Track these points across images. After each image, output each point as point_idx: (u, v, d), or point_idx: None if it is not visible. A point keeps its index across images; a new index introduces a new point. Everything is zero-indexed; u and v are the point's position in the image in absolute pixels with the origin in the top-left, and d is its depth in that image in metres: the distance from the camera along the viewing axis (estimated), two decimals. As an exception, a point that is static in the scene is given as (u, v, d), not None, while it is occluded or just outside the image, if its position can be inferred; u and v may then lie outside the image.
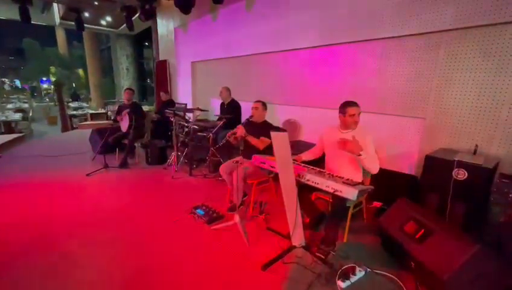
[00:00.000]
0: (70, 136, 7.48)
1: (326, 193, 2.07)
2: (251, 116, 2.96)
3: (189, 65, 6.65)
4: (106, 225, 2.59)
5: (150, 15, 6.53)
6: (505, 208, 1.73)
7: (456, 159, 2.08)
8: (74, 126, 9.09)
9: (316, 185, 2.00)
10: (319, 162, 2.53)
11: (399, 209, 2.08)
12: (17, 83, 21.61)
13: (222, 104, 4.63)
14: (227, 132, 3.54)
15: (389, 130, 2.98)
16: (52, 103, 13.69)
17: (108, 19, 10.63)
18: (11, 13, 10.40)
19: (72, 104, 12.06)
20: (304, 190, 2.29)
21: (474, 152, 2.25)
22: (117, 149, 4.59)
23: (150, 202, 3.11)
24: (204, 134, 4.09)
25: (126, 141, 4.36)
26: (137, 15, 6.89)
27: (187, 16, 5.42)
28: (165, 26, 7.51)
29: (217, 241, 2.30)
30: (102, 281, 1.87)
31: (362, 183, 2.03)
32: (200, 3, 5.22)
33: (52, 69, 15.61)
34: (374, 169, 2.11)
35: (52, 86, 15.10)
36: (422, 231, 1.80)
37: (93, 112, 10.62)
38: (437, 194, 2.24)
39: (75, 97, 14.46)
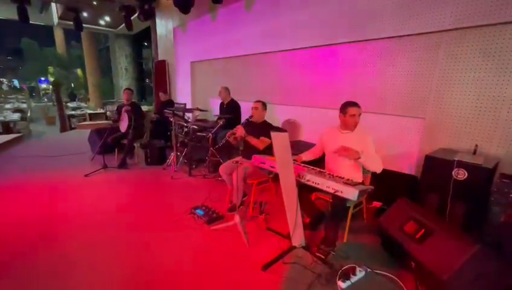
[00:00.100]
0: (68, 137, 7.46)
1: (327, 193, 2.07)
2: (251, 116, 2.95)
3: (188, 65, 6.64)
4: (105, 225, 2.58)
5: (149, 15, 6.52)
6: (505, 208, 1.73)
7: (456, 159, 2.08)
8: (73, 126, 9.06)
9: (317, 186, 1.99)
10: (318, 162, 2.52)
11: (399, 209, 2.08)
12: (16, 83, 21.53)
13: (221, 104, 4.62)
14: (227, 132, 3.53)
15: (389, 130, 2.99)
16: (51, 103, 13.65)
17: (107, 18, 10.60)
18: (9, 13, 10.35)
19: (70, 104, 12.02)
20: (304, 190, 2.28)
21: (474, 152, 2.26)
22: (116, 149, 4.57)
23: (149, 203, 3.10)
24: (204, 134, 4.08)
25: (125, 141, 4.35)
26: (136, 15, 6.88)
27: (186, 15, 5.41)
28: (164, 26, 7.50)
29: (216, 242, 2.30)
30: (101, 281, 1.86)
31: (362, 183, 2.04)
32: (199, 3, 5.21)
33: (51, 69, 15.56)
34: (377, 169, 2.12)
35: (51, 86, 15.04)
36: (423, 231, 1.80)
37: (91, 112, 10.59)
38: (437, 194, 2.24)
39: (73, 97, 14.41)
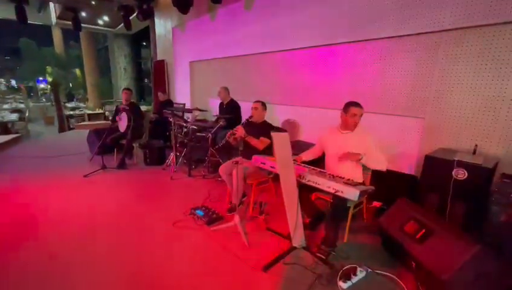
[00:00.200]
0: (67, 137, 7.44)
1: (327, 193, 2.07)
2: (251, 117, 2.95)
3: (187, 65, 6.62)
4: (105, 226, 2.57)
5: (148, 14, 6.50)
6: (506, 208, 1.73)
7: (455, 159, 2.08)
8: (71, 126, 9.02)
9: (317, 186, 1.99)
10: (318, 162, 2.52)
11: (399, 209, 2.08)
12: (13, 83, 21.42)
13: (221, 104, 4.61)
14: (227, 131, 3.52)
15: (389, 130, 2.99)
16: (49, 103, 13.58)
17: (106, 18, 10.56)
18: (7, 13, 10.29)
19: (69, 105, 11.97)
20: (304, 190, 2.28)
21: (474, 152, 2.26)
22: (115, 150, 4.55)
23: (148, 203, 3.09)
24: (204, 134, 4.07)
25: (124, 142, 4.34)
26: (134, 14, 6.86)
27: (185, 15, 5.40)
28: (162, 25, 7.48)
29: (217, 243, 2.29)
30: (101, 282, 1.86)
31: (363, 183, 2.04)
32: (198, 3, 5.21)
33: (49, 69, 15.48)
34: (381, 167, 2.16)
35: (49, 86, 14.97)
36: (423, 231, 1.80)
37: (90, 112, 10.55)
38: (437, 194, 2.24)
39: (70, 97, 14.33)
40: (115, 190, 3.51)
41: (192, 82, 6.68)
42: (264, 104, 2.98)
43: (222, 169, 2.87)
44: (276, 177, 2.81)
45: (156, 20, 7.68)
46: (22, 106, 11.30)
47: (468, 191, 2.04)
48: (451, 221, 2.11)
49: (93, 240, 2.34)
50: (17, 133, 7.26)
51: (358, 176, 2.28)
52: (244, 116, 4.28)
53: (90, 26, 11.47)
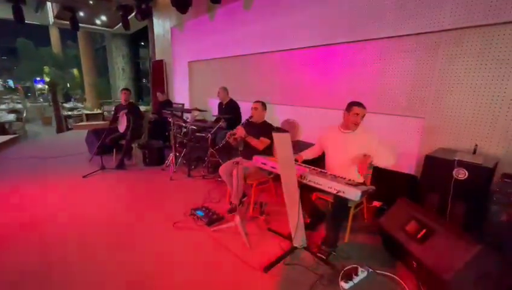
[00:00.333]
0: (65, 137, 7.40)
1: (328, 193, 2.07)
2: (251, 117, 2.94)
3: (186, 65, 6.61)
4: (104, 227, 2.56)
5: (146, 14, 6.48)
6: (507, 208, 1.74)
7: (456, 158, 2.08)
8: (69, 127, 8.97)
9: (318, 186, 1.99)
10: (318, 162, 2.52)
11: (400, 209, 2.08)
12: (10, 83, 21.28)
13: (220, 104, 4.60)
14: (226, 132, 3.51)
15: (389, 130, 2.99)
16: (47, 104, 13.51)
17: (104, 18, 10.52)
18: (4, 12, 10.21)
19: (66, 105, 11.90)
20: (305, 190, 2.28)
21: (474, 152, 2.26)
22: (114, 150, 4.53)
23: (148, 204, 3.08)
24: (203, 134, 4.06)
25: (123, 142, 4.32)
26: (133, 14, 6.83)
27: (184, 15, 5.38)
28: (161, 25, 7.45)
29: (217, 243, 2.28)
30: (101, 283, 1.85)
31: (364, 183, 2.03)
32: (197, 3, 5.19)
33: (46, 69, 15.39)
34: (389, 164, 2.18)
35: (47, 86, 14.89)
36: (424, 230, 1.80)
37: (88, 112, 10.50)
38: (437, 194, 2.24)
39: (68, 98, 14.25)
40: (114, 191, 3.50)
41: (191, 82, 6.66)
42: (264, 104, 2.98)
43: (222, 169, 2.86)
44: (276, 177, 2.81)
45: (155, 20, 7.65)
46: (20, 106, 11.24)
47: (468, 191, 2.04)
48: (452, 221, 2.12)
49: (92, 241, 2.33)
50: (14, 133, 7.21)
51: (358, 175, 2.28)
52: (244, 117, 4.28)
53: (88, 26, 11.40)
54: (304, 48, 3.82)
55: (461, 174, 2.05)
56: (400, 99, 2.90)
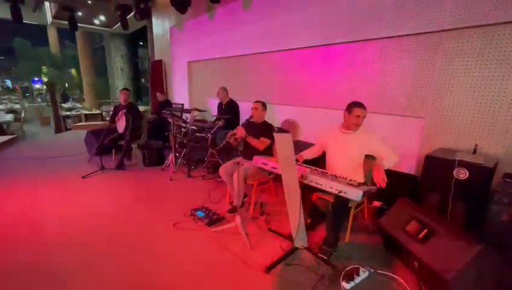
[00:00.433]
0: (64, 138, 7.37)
1: (328, 193, 2.06)
2: (251, 117, 2.94)
3: (185, 65, 6.59)
4: (104, 228, 2.55)
5: (145, 14, 6.46)
6: (508, 208, 1.74)
7: (457, 158, 2.09)
8: (68, 127, 8.93)
9: (319, 187, 1.99)
10: (318, 162, 2.52)
11: (400, 209, 2.09)
12: (8, 83, 21.16)
13: (220, 104, 4.59)
14: (226, 132, 3.51)
15: (389, 130, 2.99)
16: (45, 104, 13.45)
17: (102, 18, 10.47)
18: (2, 12, 10.15)
19: (65, 105, 11.85)
20: (305, 190, 2.27)
21: (474, 151, 2.27)
22: (113, 150, 4.52)
23: (148, 204, 3.07)
24: (203, 135, 4.05)
25: (123, 142, 4.30)
26: (132, 14, 6.81)
27: (183, 15, 5.37)
28: (160, 25, 7.44)
29: (218, 244, 2.28)
30: (101, 284, 1.84)
31: (365, 183, 2.03)
32: (196, 3, 5.18)
33: (44, 69, 15.32)
34: (394, 163, 2.15)
35: (45, 87, 14.81)
36: (425, 230, 1.80)
37: (87, 112, 10.46)
38: (437, 194, 2.25)
39: (65, 98, 14.19)
40: (114, 191, 3.48)
41: (190, 82, 6.65)
42: (264, 104, 2.97)
43: (222, 170, 2.85)
44: (276, 177, 2.81)
45: (154, 20, 7.63)
46: (18, 106, 11.18)
47: (469, 191, 2.05)
48: (452, 221, 2.12)
49: (92, 242, 2.32)
50: (12, 134, 7.17)
51: (359, 176, 2.28)
52: (243, 117, 4.28)
53: (87, 25, 11.36)
54: (304, 48, 3.82)
55: (462, 174, 2.05)
56: (399, 99, 2.90)
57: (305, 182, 2.07)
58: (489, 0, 2.20)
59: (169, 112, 3.99)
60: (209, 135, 3.88)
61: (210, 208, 2.78)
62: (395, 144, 2.92)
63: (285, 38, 4.00)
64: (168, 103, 5.65)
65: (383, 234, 2.18)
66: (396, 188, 2.62)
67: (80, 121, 9.64)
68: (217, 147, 3.67)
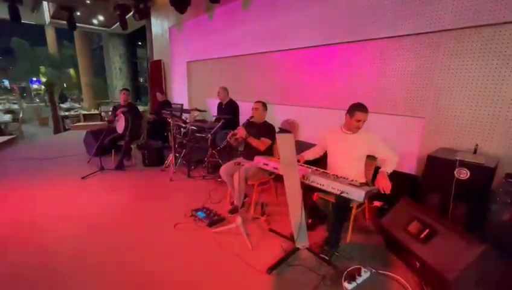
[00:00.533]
0: (63, 138, 7.33)
1: (329, 193, 2.06)
2: (251, 117, 2.93)
3: (184, 65, 6.58)
4: (104, 228, 2.54)
5: (144, 14, 6.43)
6: (510, 208, 1.75)
7: (458, 158, 2.09)
8: (67, 127, 8.90)
9: (321, 187, 1.98)
10: (319, 162, 2.52)
11: (402, 209, 2.09)
12: (6, 83, 21.05)
13: (220, 104, 4.58)
14: (226, 132, 3.50)
15: (389, 130, 2.99)
16: (43, 104, 13.39)
17: (101, 18, 10.43)
18: (0, 12, 10.10)
19: (63, 105, 11.81)
20: (306, 191, 2.27)
21: (475, 151, 2.27)
22: (113, 151, 4.50)
23: (149, 205, 3.06)
24: (203, 135, 4.04)
25: (122, 143, 4.29)
26: (130, 14, 6.78)
27: (182, 15, 5.35)
28: (159, 25, 7.41)
29: (219, 244, 2.27)
30: (101, 285, 1.83)
31: (366, 183, 2.03)
32: (195, 3, 5.16)
33: (42, 69, 15.24)
34: (396, 163, 2.20)
35: (43, 87, 14.75)
36: (427, 230, 1.80)
37: (86, 112, 10.42)
38: (438, 194, 2.25)
39: (63, 98, 14.12)
40: (114, 192, 3.47)
41: (189, 82, 6.63)
42: (264, 105, 2.97)
43: (223, 170, 2.84)
44: (277, 177, 2.81)
45: (153, 20, 7.61)
46: (16, 106, 11.13)
47: (470, 191, 2.05)
48: (454, 221, 2.12)
49: (92, 243, 2.30)
50: (11, 134, 7.13)
51: (361, 176, 2.28)
52: (243, 117, 4.27)
53: (85, 25, 11.31)
54: (304, 47, 3.81)
55: (463, 174, 2.05)
56: (400, 99, 2.90)
57: (307, 182, 2.07)
58: (489, 1, 2.20)
59: (169, 112, 3.98)
60: (209, 135, 3.87)
61: (210, 209, 2.78)
62: (396, 144, 2.92)
63: (285, 38, 3.99)
64: (167, 103, 5.63)
65: (384, 234, 2.18)
66: (397, 188, 2.62)
67: (79, 121, 9.61)
68: (218, 148, 3.66)
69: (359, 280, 1.82)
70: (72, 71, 16.44)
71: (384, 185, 1.98)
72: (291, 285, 1.84)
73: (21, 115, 8.91)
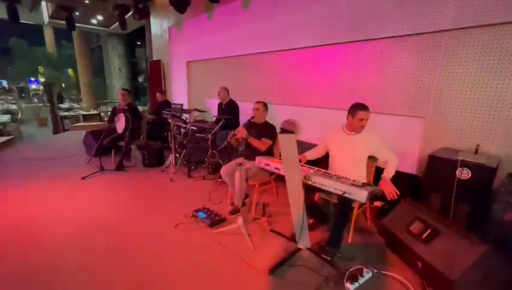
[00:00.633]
0: (62, 138, 7.31)
1: (331, 194, 2.06)
2: (252, 117, 2.93)
3: (184, 65, 6.56)
4: (104, 229, 2.53)
5: (144, 14, 6.40)
6: (512, 208, 1.75)
7: (459, 158, 2.09)
8: (66, 128, 8.87)
9: (323, 187, 1.98)
10: (319, 162, 2.51)
11: (403, 210, 2.08)
12: (4, 83, 20.96)
13: (220, 104, 4.57)
14: (226, 132, 3.49)
15: (389, 130, 2.99)
16: (41, 104, 13.34)
17: (100, 17, 10.40)
18: (-2, 12, 10.05)
19: (62, 105, 11.77)
20: (307, 191, 2.27)
21: (476, 151, 2.27)
22: (113, 151, 4.48)
23: (149, 205, 3.05)
24: (203, 135, 4.04)
25: (122, 143, 4.27)
26: (130, 14, 6.76)
27: (182, 14, 5.34)
28: (158, 25, 7.40)
29: (220, 245, 2.26)
30: (101, 286, 1.82)
31: (368, 183, 2.03)
32: (195, 2, 5.15)
33: (41, 69, 15.18)
34: (396, 164, 2.22)
35: (41, 87, 14.69)
36: (429, 231, 1.80)
37: (85, 112, 10.39)
38: (440, 194, 2.25)
39: (61, 99, 14.08)
40: (114, 192, 3.46)
41: (189, 82, 6.62)
42: (265, 105, 2.96)
43: (224, 170, 2.84)
44: (278, 178, 2.80)
45: (152, 20, 7.59)
46: (14, 107, 11.08)
47: (471, 191, 2.05)
48: (455, 221, 2.12)
49: (92, 243, 2.29)
50: (9, 135, 7.10)
51: (362, 176, 2.28)
52: (242, 117, 4.27)
53: (84, 25, 11.27)
54: (304, 47, 3.81)
55: (464, 174, 2.06)
56: (400, 99, 2.90)
57: (309, 183, 2.06)
58: (490, 1, 2.20)
59: (169, 112, 3.97)
60: (209, 135, 3.86)
61: (211, 209, 2.77)
62: (396, 143, 2.93)
63: (285, 38, 3.99)
64: (167, 103, 5.61)
65: (386, 234, 2.18)
66: (398, 188, 2.62)
67: (78, 121, 9.57)
68: (218, 148, 3.65)
69: (361, 280, 1.81)
70: (70, 71, 16.38)
71: (390, 190, 2.02)
72: (293, 286, 1.83)
73: (20, 116, 8.88)
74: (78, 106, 12.44)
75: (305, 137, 3.96)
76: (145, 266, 2.01)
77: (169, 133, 4.72)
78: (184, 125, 4.28)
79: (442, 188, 2.22)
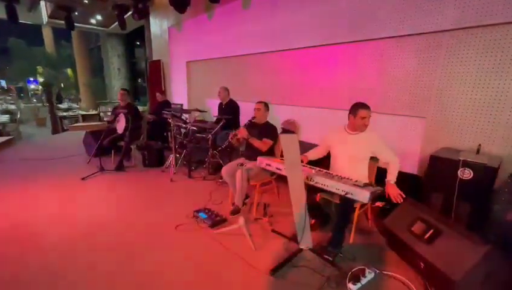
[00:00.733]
0: (61, 139, 7.28)
1: (333, 194, 2.05)
2: (253, 118, 2.92)
3: (184, 65, 6.55)
4: (104, 230, 2.52)
5: (143, 14, 6.39)
6: (514, 208, 1.75)
7: (461, 158, 2.09)
8: (65, 128, 8.84)
9: (325, 188, 1.98)
10: (321, 162, 2.51)
11: (405, 210, 2.08)
12: (3, 83, 20.89)
13: (220, 105, 4.56)
14: (226, 132, 3.48)
15: (390, 130, 2.99)
16: (40, 104, 13.30)
17: (99, 17, 10.38)
18: (-4, 11, 10.01)
19: (61, 105, 11.74)
20: (309, 191, 2.26)
21: (477, 151, 2.27)
22: (113, 151, 4.47)
23: (149, 206, 3.04)
24: (203, 135, 4.03)
25: (122, 143, 4.26)
26: (129, 13, 6.74)
27: (182, 14, 5.33)
28: (158, 25, 7.38)
29: (221, 245, 2.26)
30: (102, 286, 1.81)
31: (370, 183, 2.03)
32: (195, 2, 5.14)
33: (40, 69, 15.13)
34: (398, 165, 2.22)
35: (40, 87, 14.65)
36: (431, 231, 1.80)
37: (84, 113, 10.36)
38: (441, 194, 2.25)
39: (60, 99, 14.04)
40: (114, 192, 3.45)
41: (189, 82, 6.60)
42: (266, 105, 2.96)
43: (225, 171, 2.83)
44: (279, 178, 2.79)
45: (152, 20, 7.58)
46: (13, 107, 11.04)
47: (473, 191, 2.05)
48: (457, 221, 2.12)
49: (92, 244, 2.28)
50: (8, 135, 7.07)
51: (364, 176, 2.27)
52: (242, 117, 4.26)
53: (83, 25, 11.24)
54: (304, 47, 3.80)
55: (466, 174, 2.05)
56: (401, 99, 2.90)
57: (311, 183, 2.06)
58: (491, 1, 2.20)
59: (169, 112, 3.96)
60: (209, 135, 3.85)
61: (212, 210, 2.76)
62: (397, 143, 2.93)
63: (286, 38, 3.98)
64: (167, 103, 5.60)
65: (387, 234, 2.17)
66: (399, 188, 2.62)
67: (77, 121, 9.54)
68: (219, 148, 3.64)
69: (363, 280, 1.81)
70: (69, 71, 16.34)
71: (396, 194, 2.04)
72: (295, 286, 1.83)
73: (18, 116, 8.84)
74: (77, 106, 12.41)
75: (305, 137, 3.96)
76: (146, 266, 2.01)
77: (169, 133, 4.71)
78: (184, 126, 4.27)
79: (443, 188, 2.21)
